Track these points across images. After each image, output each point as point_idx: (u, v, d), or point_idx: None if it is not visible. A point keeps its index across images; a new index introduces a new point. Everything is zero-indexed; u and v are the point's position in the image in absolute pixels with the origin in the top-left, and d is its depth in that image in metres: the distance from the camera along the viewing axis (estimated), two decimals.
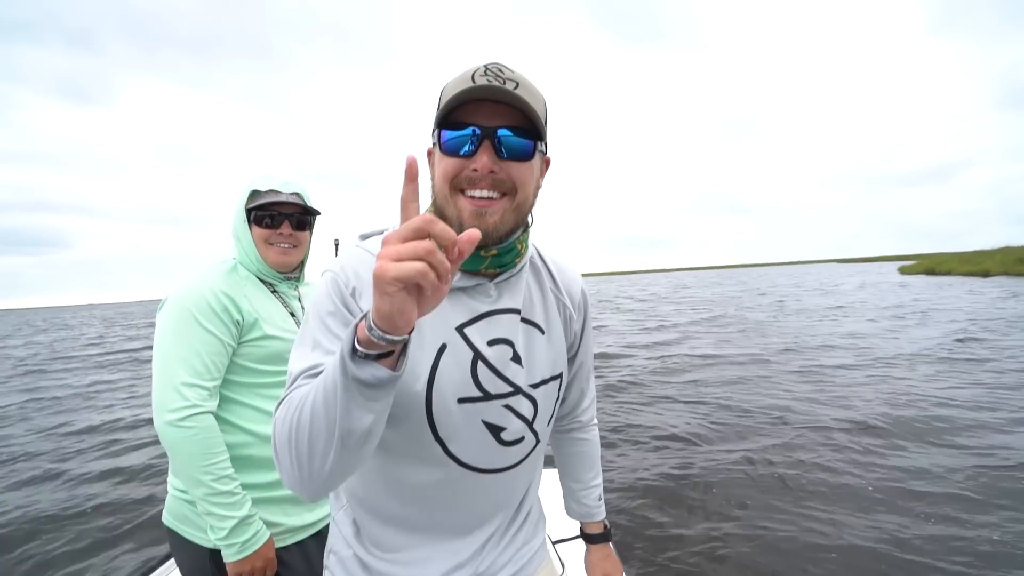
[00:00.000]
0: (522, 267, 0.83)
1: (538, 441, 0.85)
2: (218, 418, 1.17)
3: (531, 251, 0.87)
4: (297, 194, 1.30)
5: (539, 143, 0.73)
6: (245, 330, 1.21)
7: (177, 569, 1.25)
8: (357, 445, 0.57)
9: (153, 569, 1.68)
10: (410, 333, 0.51)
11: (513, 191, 0.72)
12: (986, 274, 27.30)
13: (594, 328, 1.01)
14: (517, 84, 0.69)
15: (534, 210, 0.80)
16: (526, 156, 0.71)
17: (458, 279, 0.77)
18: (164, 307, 1.19)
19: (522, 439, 0.82)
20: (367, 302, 0.72)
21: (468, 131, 0.69)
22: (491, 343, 0.78)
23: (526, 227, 0.81)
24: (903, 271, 36.93)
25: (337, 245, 2.40)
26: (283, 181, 1.30)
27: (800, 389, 6.05)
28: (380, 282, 0.47)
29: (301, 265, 1.40)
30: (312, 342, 0.71)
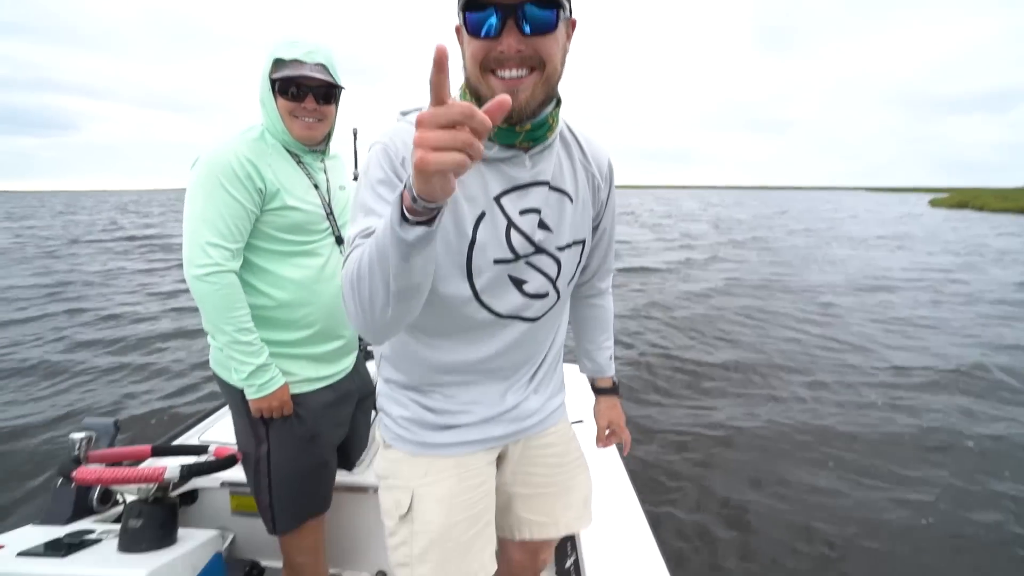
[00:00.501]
0: (553, 140, 0.88)
1: (559, 298, 0.96)
2: (242, 279, 1.25)
3: (561, 126, 0.92)
4: (322, 65, 1.27)
5: (561, 11, 0.74)
6: (267, 198, 1.24)
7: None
8: (410, 296, 0.66)
9: (218, 409, 2.04)
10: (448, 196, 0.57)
11: (541, 65, 0.75)
12: (1023, 211, 26.06)
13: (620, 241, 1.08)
14: None
15: (562, 82, 0.83)
16: (550, 28, 0.73)
17: (496, 151, 0.83)
18: (195, 167, 1.22)
19: (546, 294, 0.93)
20: None
21: (490, 11, 0.70)
22: (523, 212, 0.87)
23: (557, 102, 0.85)
24: (934, 203, 35.19)
25: (355, 135, 2.35)
26: (307, 50, 1.26)
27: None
28: (422, 172, 0.50)
29: (327, 137, 1.39)
30: (365, 208, 0.78)
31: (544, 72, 0.75)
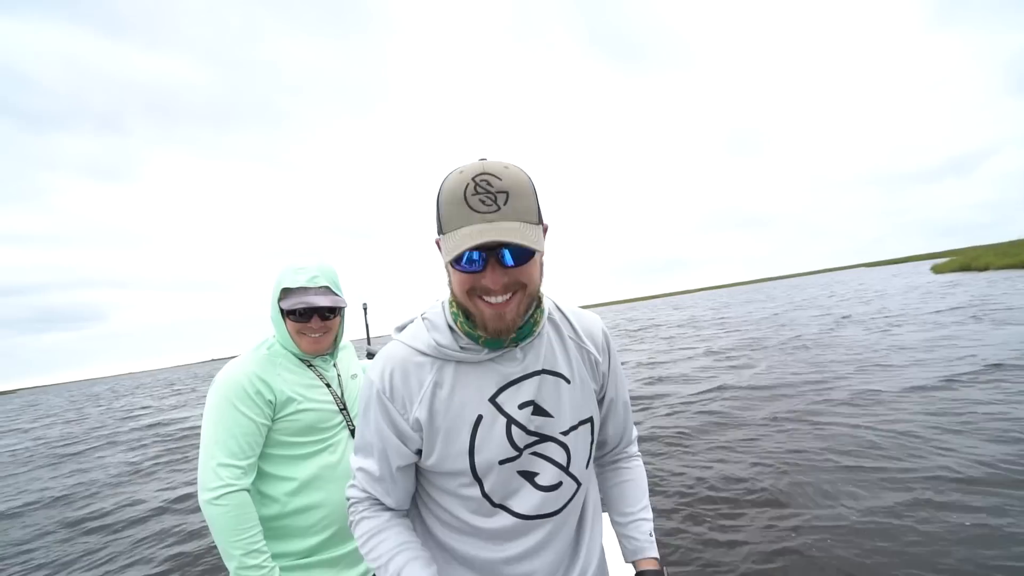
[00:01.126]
0: (541, 329, 0.92)
1: (579, 485, 0.93)
2: (257, 491, 1.32)
3: (548, 307, 0.96)
4: (327, 287, 1.42)
5: (537, 248, 0.79)
6: (279, 408, 1.33)
7: None
8: None
9: None
10: None
11: (523, 287, 0.82)
12: None
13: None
14: (507, 195, 0.76)
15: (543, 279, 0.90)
16: (527, 260, 0.80)
17: (486, 354, 0.88)
18: (209, 391, 1.33)
19: (560, 484, 0.91)
20: (420, 409, 0.86)
21: (475, 255, 0.78)
22: (521, 406, 0.88)
23: (540, 300, 0.92)
24: (936, 270, 35.27)
25: (366, 310, 2.45)
26: (311, 276, 1.40)
27: None
28: None
29: (335, 342, 1.51)
30: (365, 447, 0.91)
31: (526, 292, 0.83)
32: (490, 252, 0.77)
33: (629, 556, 1.04)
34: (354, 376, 1.57)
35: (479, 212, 0.74)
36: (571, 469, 0.91)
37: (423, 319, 0.92)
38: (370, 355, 2.32)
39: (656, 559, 1.02)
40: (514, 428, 0.87)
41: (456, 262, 0.78)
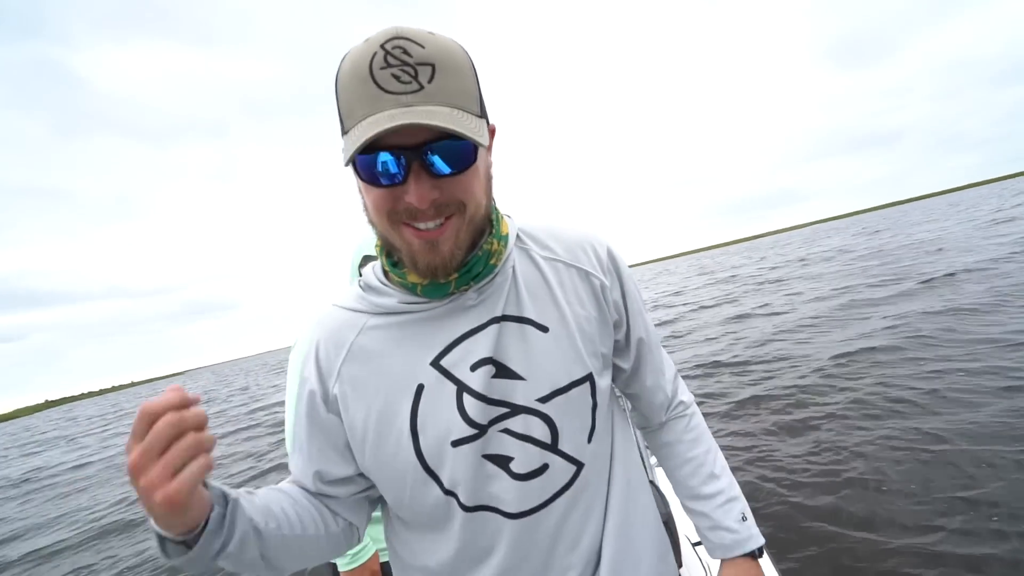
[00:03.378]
0: (503, 267, 0.68)
1: (579, 466, 0.68)
2: None
3: (515, 233, 0.71)
4: None
5: (478, 142, 0.55)
6: None
7: None
8: (260, 568, 0.59)
9: None
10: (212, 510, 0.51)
11: (462, 207, 0.59)
12: None
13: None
14: (432, 69, 0.52)
15: (495, 197, 0.67)
16: (466, 164, 0.56)
17: (426, 305, 0.66)
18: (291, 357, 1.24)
19: (544, 467, 0.66)
20: (338, 382, 0.66)
21: (387, 156, 0.53)
22: (475, 367, 0.65)
23: (492, 225, 0.67)
24: None
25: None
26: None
27: None
28: (157, 512, 0.45)
29: None
30: (292, 439, 0.75)
31: (466, 214, 0.59)
32: (412, 156, 0.54)
33: (719, 552, 0.78)
34: None
35: (392, 92, 0.51)
36: (561, 447, 0.66)
37: (359, 281, 0.73)
38: None
39: (759, 552, 0.77)
40: (467, 397, 0.64)
41: (365, 169, 0.54)
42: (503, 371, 0.65)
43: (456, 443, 0.63)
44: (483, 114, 0.59)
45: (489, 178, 0.64)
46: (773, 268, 17.49)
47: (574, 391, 0.67)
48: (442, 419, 0.64)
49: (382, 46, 0.51)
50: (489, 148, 0.62)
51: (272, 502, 0.62)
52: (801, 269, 14.86)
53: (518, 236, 0.72)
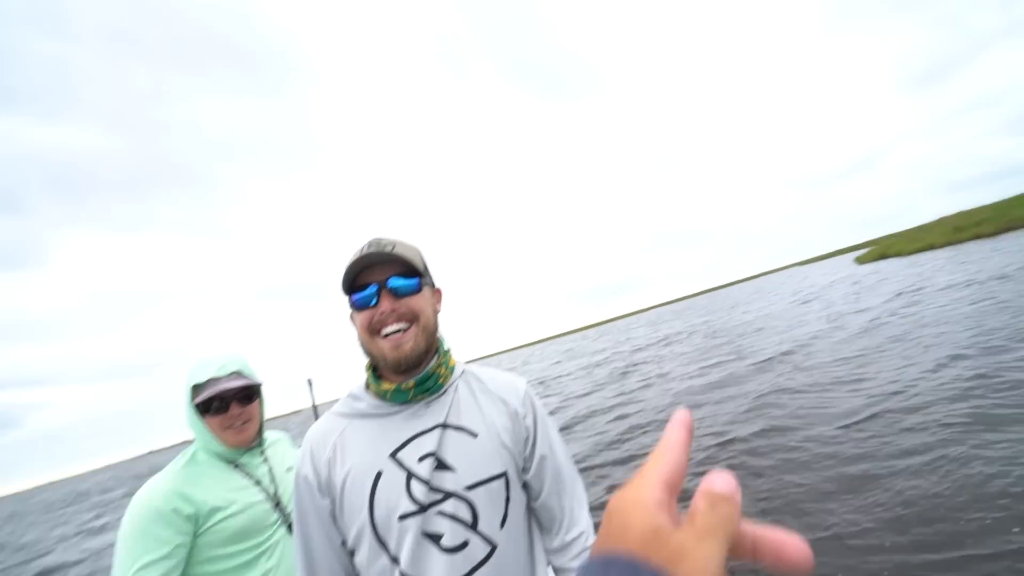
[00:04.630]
0: (449, 386, 0.96)
1: (493, 548, 0.87)
2: None
3: (459, 371, 1.01)
4: (237, 372, 1.38)
5: (423, 279, 0.95)
6: (203, 520, 1.26)
7: None
8: None
9: None
10: None
11: (416, 318, 0.92)
12: (932, 247, 28.38)
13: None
14: (394, 245, 0.92)
15: (445, 339, 1.01)
16: (415, 290, 0.93)
17: (391, 408, 0.93)
18: (125, 514, 1.25)
19: (465, 543, 0.85)
20: (326, 469, 0.90)
21: (368, 289, 0.91)
22: (421, 459, 0.88)
23: (439, 352, 0.98)
24: (859, 260, 38.09)
25: (311, 385, 2.43)
26: (219, 365, 1.36)
27: None
28: None
29: (260, 431, 1.47)
30: (300, 554, 0.91)
31: (420, 324, 0.92)
32: (381, 285, 0.90)
33: None
34: (289, 469, 1.50)
35: (367, 251, 0.90)
36: (480, 528, 0.86)
37: (350, 391, 1.00)
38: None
39: None
40: (414, 482, 0.86)
41: (355, 301, 0.91)
42: (442, 464, 0.88)
43: (402, 517, 0.84)
44: (427, 274, 0.98)
45: (436, 311, 0.99)
46: (637, 350, 18.52)
47: (493, 484, 0.89)
48: (393, 498, 0.85)
49: (367, 242, 0.94)
50: (438, 299, 1.02)
51: None
52: (664, 348, 16.11)
53: (464, 371, 1.02)
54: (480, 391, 0.98)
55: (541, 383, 16.29)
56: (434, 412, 0.92)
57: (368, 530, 0.84)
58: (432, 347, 0.96)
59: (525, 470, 0.97)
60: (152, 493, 1.24)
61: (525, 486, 0.98)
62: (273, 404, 1.57)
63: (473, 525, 0.86)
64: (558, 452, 1.01)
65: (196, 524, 1.25)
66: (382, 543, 0.84)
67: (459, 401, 0.95)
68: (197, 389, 1.33)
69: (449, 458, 0.88)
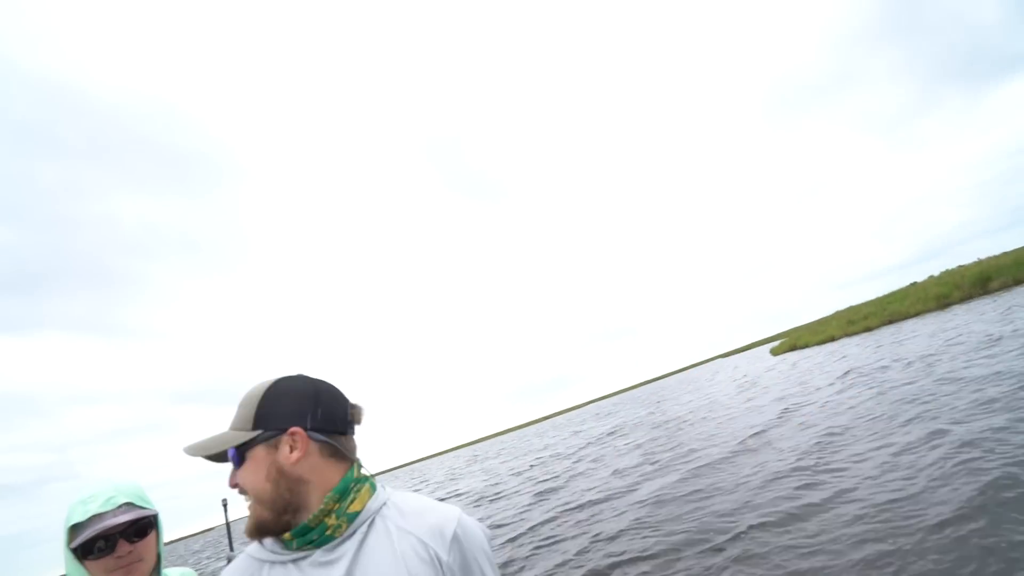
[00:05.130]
0: (352, 533, 0.88)
1: None
2: None
3: (374, 506, 0.90)
4: (128, 503, 1.15)
5: (243, 448, 0.95)
6: None
7: None
8: None
9: None
10: None
11: (246, 491, 0.97)
12: (832, 339, 30.64)
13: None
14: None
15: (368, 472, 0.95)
16: (237, 463, 0.93)
17: (294, 554, 0.88)
18: None
19: None
20: None
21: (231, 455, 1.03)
22: None
23: (346, 493, 0.90)
24: (774, 352, 40.34)
25: (226, 506, 2.27)
26: (106, 498, 1.15)
27: None
28: None
29: (157, 566, 1.17)
30: None
31: (252, 495, 0.94)
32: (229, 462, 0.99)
33: None
34: None
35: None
36: None
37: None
38: (229, 561, 1.92)
39: None
40: None
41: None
42: None
43: None
44: (256, 427, 0.95)
45: (277, 467, 0.94)
46: (587, 445, 17.26)
47: None
48: None
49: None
50: (289, 450, 0.95)
51: None
52: (616, 440, 15.41)
53: (384, 504, 0.91)
54: (400, 532, 0.87)
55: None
56: (335, 564, 0.85)
57: None
58: (282, 513, 0.90)
59: None
60: None
61: None
62: (183, 523, 1.56)
63: None
64: None
65: None
66: None
67: (367, 551, 0.85)
68: (76, 529, 1.14)
69: None
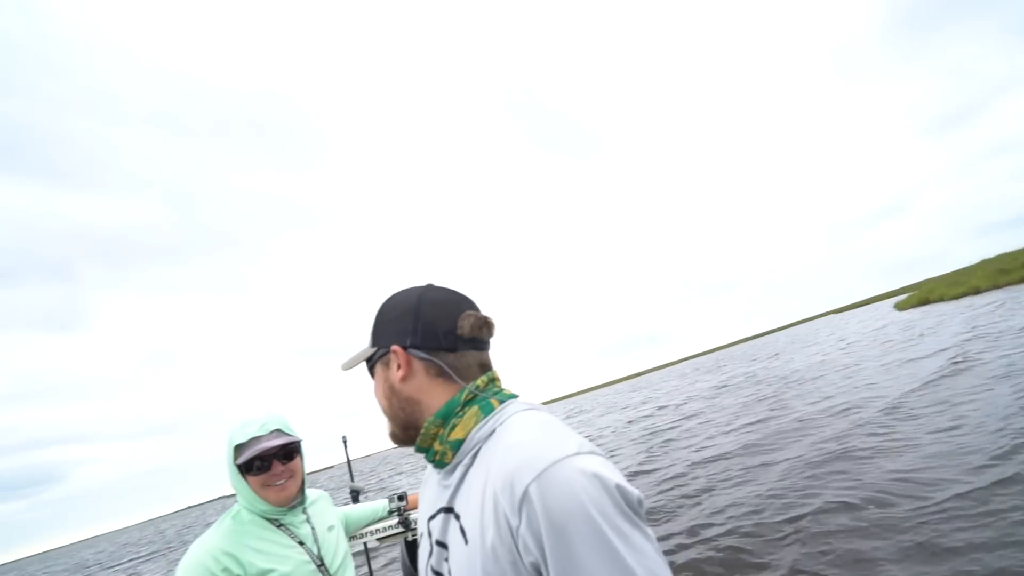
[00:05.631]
0: (457, 463, 0.80)
1: None
2: None
3: (482, 434, 0.80)
4: (277, 430, 1.40)
5: (369, 363, 0.88)
6: None
7: None
8: None
9: None
10: None
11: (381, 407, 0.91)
12: (977, 291, 27.02)
13: None
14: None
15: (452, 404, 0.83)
16: (373, 377, 0.89)
17: (431, 469, 0.84)
18: (177, 572, 1.28)
19: None
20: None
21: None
22: (435, 543, 0.80)
23: (448, 417, 0.81)
24: (899, 307, 35.93)
25: (345, 443, 2.48)
26: (260, 424, 1.38)
27: None
28: None
29: (302, 489, 1.47)
30: None
31: (382, 410, 0.89)
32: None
33: None
34: (331, 528, 1.49)
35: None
36: None
37: None
38: (353, 492, 2.19)
39: None
40: (430, 560, 0.81)
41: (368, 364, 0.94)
42: (448, 559, 0.78)
43: None
44: (376, 342, 0.88)
45: (391, 386, 0.87)
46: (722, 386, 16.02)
47: None
48: (423, 564, 0.79)
49: None
50: (399, 364, 0.87)
51: None
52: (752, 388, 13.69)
53: (492, 434, 0.80)
54: (486, 479, 0.77)
55: None
56: (451, 489, 0.79)
57: None
58: (409, 424, 0.84)
59: None
60: (201, 553, 1.26)
61: None
62: (309, 461, 1.57)
63: None
64: None
65: None
66: None
67: (465, 489, 0.78)
68: (239, 449, 1.35)
69: (449, 554, 0.76)
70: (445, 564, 0.77)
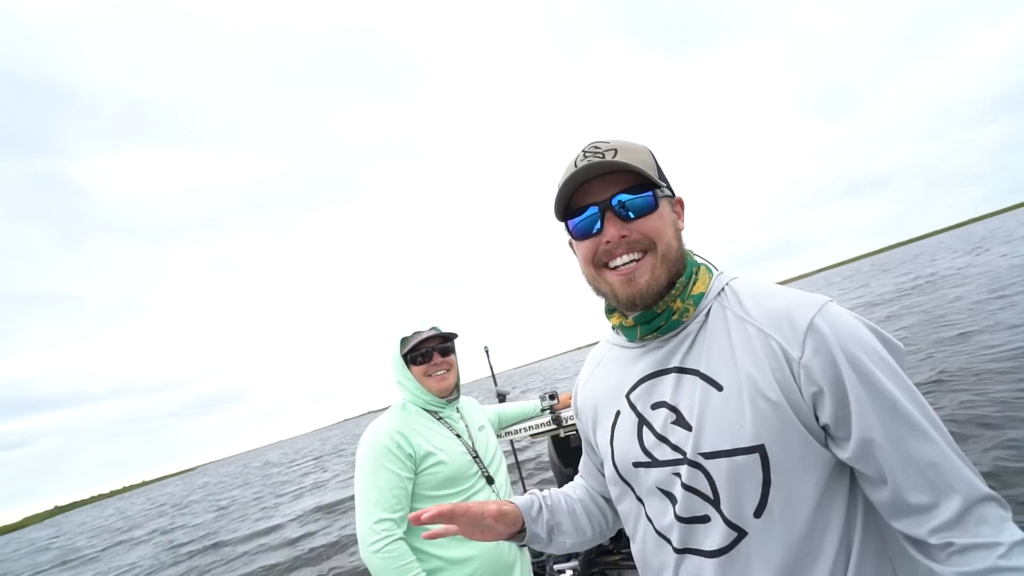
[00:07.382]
0: (692, 320, 0.78)
1: (740, 534, 0.68)
2: (411, 547, 1.39)
3: (714, 290, 0.79)
4: (435, 327, 1.60)
5: (657, 190, 0.76)
6: (419, 462, 1.45)
7: None
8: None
9: None
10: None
11: (653, 246, 0.75)
12: None
13: None
14: (616, 151, 0.75)
15: (701, 254, 0.85)
16: (650, 209, 0.75)
17: (625, 345, 0.85)
18: (358, 453, 1.48)
19: (706, 519, 0.71)
20: (580, 398, 0.99)
21: (588, 212, 0.76)
22: (654, 406, 0.77)
23: (683, 278, 0.78)
24: None
25: (488, 353, 2.70)
26: (421, 321, 1.61)
27: None
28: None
29: (457, 386, 1.65)
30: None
31: (658, 251, 0.75)
32: (603, 206, 0.75)
33: None
34: (481, 428, 1.68)
35: (583, 165, 0.74)
36: (723, 508, 0.69)
37: None
38: (500, 395, 2.45)
39: None
40: (646, 430, 0.78)
41: (573, 228, 0.78)
42: (680, 419, 0.73)
43: (636, 465, 0.79)
44: (662, 181, 0.78)
45: (677, 228, 0.81)
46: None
47: (739, 459, 0.67)
48: (627, 443, 0.80)
49: (582, 150, 0.77)
50: (679, 214, 0.83)
51: (562, 503, 0.98)
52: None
53: (723, 290, 0.79)
54: (738, 323, 0.73)
55: None
56: (670, 351, 0.77)
57: (613, 469, 0.84)
58: (676, 276, 0.77)
59: (835, 446, 0.67)
60: (379, 433, 1.45)
61: (850, 470, 0.69)
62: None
63: (714, 501, 0.70)
64: (897, 426, 0.63)
65: (415, 464, 1.44)
66: (627, 483, 0.83)
67: (706, 337, 0.75)
68: (404, 342, 1.57)
69: (685, 411, 0.73)
70: (674, 428, 0.73)
